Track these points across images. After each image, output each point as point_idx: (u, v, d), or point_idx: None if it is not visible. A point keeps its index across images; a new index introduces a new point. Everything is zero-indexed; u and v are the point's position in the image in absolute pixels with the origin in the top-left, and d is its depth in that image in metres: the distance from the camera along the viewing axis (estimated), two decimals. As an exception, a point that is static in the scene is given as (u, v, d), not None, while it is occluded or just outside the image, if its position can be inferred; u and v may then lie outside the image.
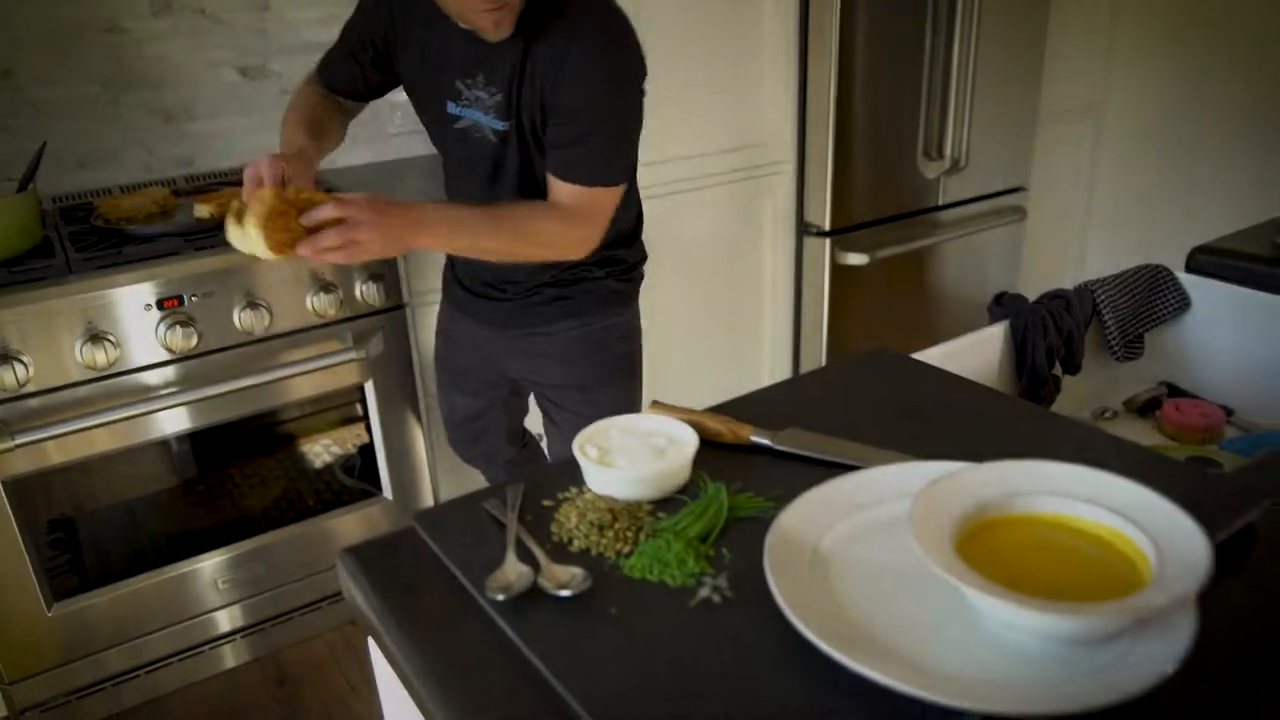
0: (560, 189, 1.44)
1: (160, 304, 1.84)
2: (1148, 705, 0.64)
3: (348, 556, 0.89)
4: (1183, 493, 0.83)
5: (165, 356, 1.87)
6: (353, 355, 2.01)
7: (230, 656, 2.22)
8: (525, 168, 1.50)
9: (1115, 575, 0.67)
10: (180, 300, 1.85)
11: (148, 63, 2.29)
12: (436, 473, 2.34)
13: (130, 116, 2.31)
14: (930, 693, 0.60)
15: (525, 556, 0.82)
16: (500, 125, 1.46)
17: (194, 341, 1.86)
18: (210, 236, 1.91)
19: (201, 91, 2.37)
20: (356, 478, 2.27)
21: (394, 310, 2.11)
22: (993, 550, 0.70)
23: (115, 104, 2.28)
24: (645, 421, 0.96)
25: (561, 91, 1.39)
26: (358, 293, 2.03)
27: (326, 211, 1.27)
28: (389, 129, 2.66)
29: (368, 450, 2.24)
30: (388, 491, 2.26)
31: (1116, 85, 3.46)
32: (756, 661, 0.69)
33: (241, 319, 1.91)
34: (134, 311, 1.82)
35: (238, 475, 2.15)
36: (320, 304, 1.97)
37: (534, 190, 1.51)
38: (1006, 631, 0.67)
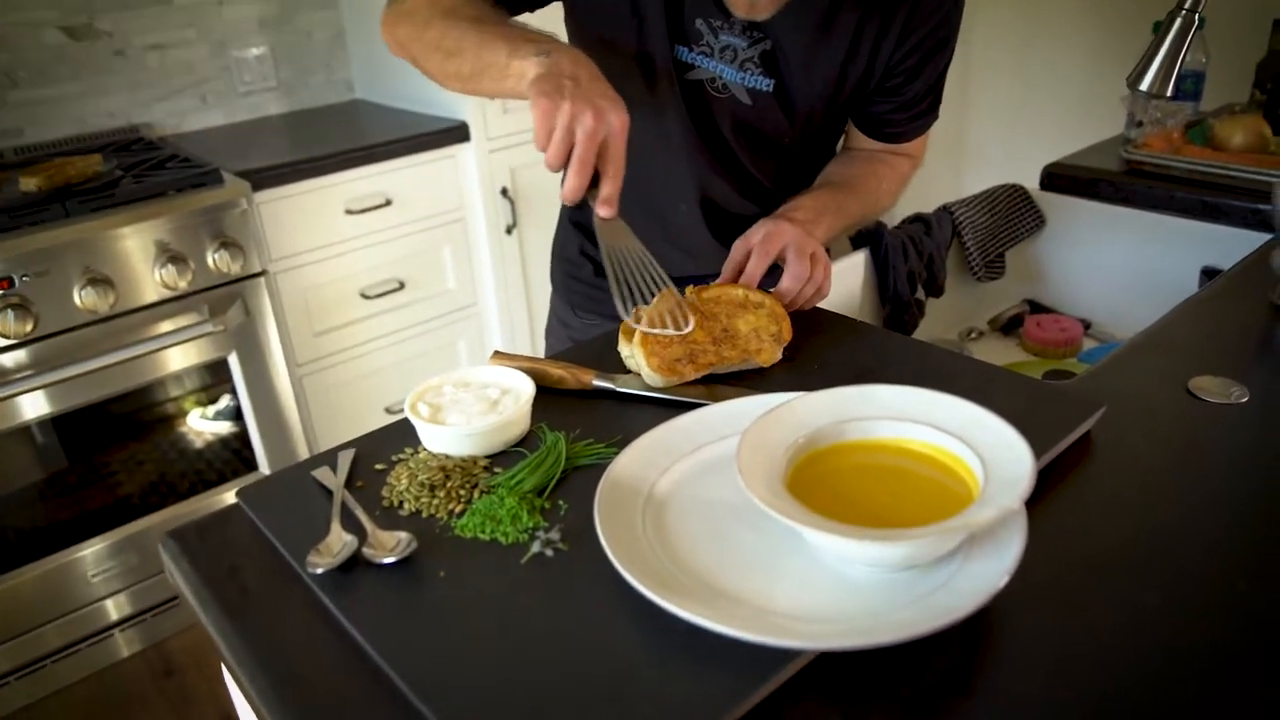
0: (912, 145, 1.25)
1: (-12, 286, 1.70)
2: (982, 622, 0.63)
3: (170, 540, 0.83)
4: (1024, 407, 0.82)
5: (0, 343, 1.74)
6: (209, 328, 1.91)
7: (124, 646, 2.13)
8: (775, 144, 1.18)
9: (946, 494, 0.65)
10: (10, 281, 1.71)
11: (-40, 26, 2.10)
12: (315, 443, 2.25)
13: (-54, 87, 2.13)
14: (760, 634, 0.57)
15: (352, 525, 0.77)
16: (761, 85, 1.11)
17: (30, 326, 1.73)
18: (40, 211, 1.77)
19: (24, 55, 2.19)
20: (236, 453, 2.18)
21: (252, 278, 2.01)
22: (825, 479, 0.68)
23: (-72, 74, 2.10)
24: (481, 373, 0.91)
25: (927, 27, 1.09)
26: (210, 261, 1.92)
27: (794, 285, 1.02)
28: (239, 87, 2.51)
29: (241, 425, 2.14)
30: (264, 466, 2.17)
31: (980, 12, 3.49)
32: (588, 616, 0.65)
33: (83, 297, 1.78)
34: (-41, 296, 1.68)
35: (112, 462, 2.05)
36: (168, 276, 1.86)
37: (779, 172, 1.22)
38: (839, 562, 0.65)
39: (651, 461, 0.76)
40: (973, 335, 1.66)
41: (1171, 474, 0.80)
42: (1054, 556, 0.69)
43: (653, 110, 1.13)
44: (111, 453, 2.03)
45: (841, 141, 1.29)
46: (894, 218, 1.57)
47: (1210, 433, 0.86)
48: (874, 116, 1.20)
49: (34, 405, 1.82)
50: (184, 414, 2.11)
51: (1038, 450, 0.66)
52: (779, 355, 0.97)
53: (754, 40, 1.08)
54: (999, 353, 1.60)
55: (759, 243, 1.03)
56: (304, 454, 2.23)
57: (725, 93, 1.12)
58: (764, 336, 0.97)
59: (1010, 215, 1.66)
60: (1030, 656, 0.61)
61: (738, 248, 1.06)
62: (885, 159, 1.23)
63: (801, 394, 0.74)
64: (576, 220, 1.36)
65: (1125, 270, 1.57)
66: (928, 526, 0.59)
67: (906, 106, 1.18)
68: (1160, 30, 1.09)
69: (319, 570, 0.70)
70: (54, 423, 1.90)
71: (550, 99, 0.86)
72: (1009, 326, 1.66)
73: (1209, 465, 0.81)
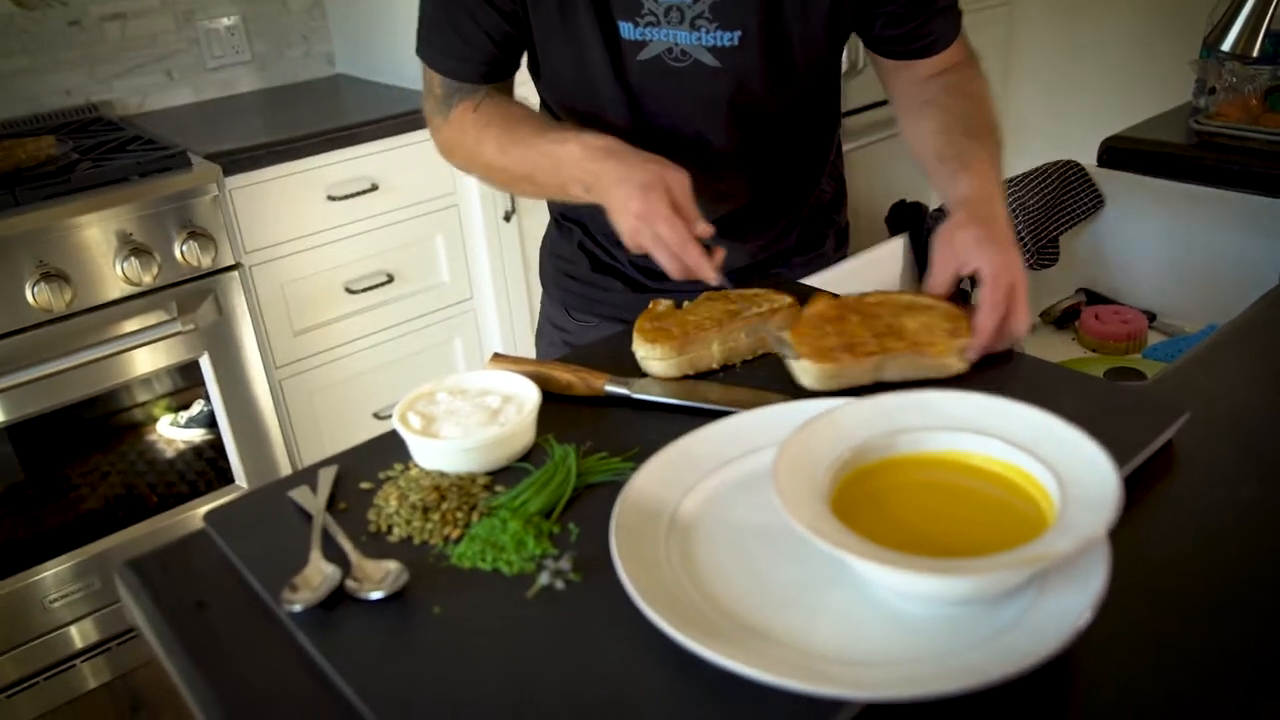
0: (949, 54, 1.16)
1: (-72, 282, 1.70)
2: (1060, 666, 0.60)
3: (128, 571, 0.81)
4: (1095, 412, 0.79)
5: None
6: (178, 327, 1.90)
7: (89, 677, 2.11)
8: (758, 113, 1.12)
9: (1015, 517, 0.62)
10: (-46, 277, 1.70)
11: (-100, -4, 2.09)
12: (297, 454, 2.23)
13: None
14: (801, 682, 0.55)
15: (334, 554, 0.74)
16: (723, 40, 1.04)
17: (-25, 326, 1.72)
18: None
19: (-30, 27, 2.17)
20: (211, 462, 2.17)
21: (225, 272, 2.00)
22: (874, 500, 0.65)
23: None
24: (480, 379, 0.88)
25: None
26: (178, 254, 1.91)
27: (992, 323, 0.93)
28: (208, 61, 2.50)
29: (215, 433, 2.12)
30: (241, 479, 2.16)
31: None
32: (604, 658, 0.63)
33: (36, 295, 1.77)
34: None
35: (73, 475, 2.03)
36: (132, 270, 1.85)
37: (783, 136, 1.17)
38: (894, 597, 0.62)
39: (675, 479, 0.74)
40: (1024, 329, 1.63)
41: (1265, 490, 0.77)
42: (1136, 588, 0.65)
43: (628, 118, 1.10)
44: (73, 465, 2.02)
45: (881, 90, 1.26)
46: (934, 198, 1.54)
47: (1308, 441, 0.83)
48: (885, 35, 1.13)
49: (-13, 413, 1.81)
50: (152, 422, 2.09)
51: (1116, 463, 0.63)
52: (956, 359, 0.89)
53: None
54: (1053, 349, 1.57)
55: (988, 285, 0.94)
56: (284, 464, 2.22)
57: (685, 60, 1.05)
58: (936, 332, 0.91)
59: (1064, 195, 1.62)
60: (1116, 710, 0.57)
61: (948, 266, 0.98)
62: (965, 78, 1.16)
63: (843, 401, 0.71)
64: (569, 216, 1.32)
65: (1195, 256, 1.54)
66: (999, 556, 0.55)
67: (915, 10, 1.10)
68: (1242, -16, 1.05)
69: (296, 607, 0.68)
70: (8, 432, 1.88)
71: (627, 223, 0.94)
72: (1063, 319, 1.63)
73: (1309, 478, 0.78)
